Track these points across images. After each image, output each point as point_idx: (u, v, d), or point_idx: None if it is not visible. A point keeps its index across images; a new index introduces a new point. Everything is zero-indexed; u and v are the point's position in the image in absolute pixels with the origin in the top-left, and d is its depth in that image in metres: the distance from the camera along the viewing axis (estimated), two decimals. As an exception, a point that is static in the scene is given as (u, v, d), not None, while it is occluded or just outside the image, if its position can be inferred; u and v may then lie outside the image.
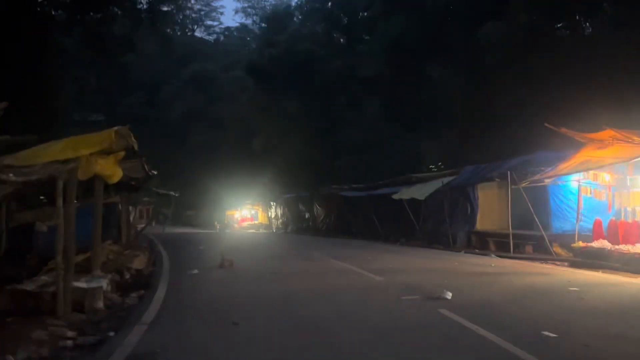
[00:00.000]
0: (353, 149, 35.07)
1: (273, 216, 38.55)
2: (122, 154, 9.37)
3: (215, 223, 44.98)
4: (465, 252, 16.32)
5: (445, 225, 18.82)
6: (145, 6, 34.96)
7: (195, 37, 77.27)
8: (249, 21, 64.68)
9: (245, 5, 63.27)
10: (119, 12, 31.95)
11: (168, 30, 71.41)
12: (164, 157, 60.34)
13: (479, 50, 27.34)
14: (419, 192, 18.92)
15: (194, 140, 57.05)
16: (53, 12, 28.98)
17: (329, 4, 40.69)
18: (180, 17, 76.15)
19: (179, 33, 75.96)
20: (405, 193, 19.58)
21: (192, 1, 77.26)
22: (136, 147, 9.18)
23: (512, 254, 14.56)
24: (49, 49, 26.52)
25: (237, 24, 78.69)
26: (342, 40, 37.95)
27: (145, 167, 13.36)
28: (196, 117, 59.22)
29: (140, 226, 24.99)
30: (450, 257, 15.19)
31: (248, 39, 74.14)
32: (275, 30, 43.86)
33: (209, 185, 50.73)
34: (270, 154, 42.38)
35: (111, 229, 18.13)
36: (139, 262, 13.37)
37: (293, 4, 47.05)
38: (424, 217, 20.19)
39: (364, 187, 24.60)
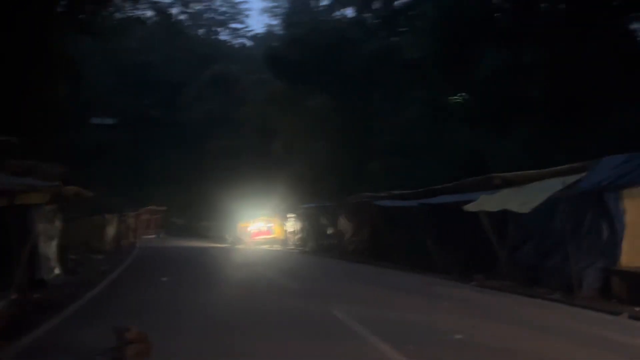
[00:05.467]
0: (391, 149, 27.01)
1: (290, 230, 30.58)
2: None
3: (227, 236, 37.54)
4: (600, 311, 8.41)
5: (557, 257, 10.69)
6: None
7: (220, 40, 70.74)
8: (275, 21, 57.59)
9: (271, 5, 56.33)
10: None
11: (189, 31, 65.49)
12: (181, 163, 53.86)
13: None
14: (515, 200, 10.74)
15: (213, 146, 50.18)
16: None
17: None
18: (204, 19, 69.94)
19: (201, 36, 69.64)
20: (488, 202, 11.40)
21: (217, 3, 71.16)
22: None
23: None
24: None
25: (264, 27, 71.98)
26: (378, 18, 29.91)
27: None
28: (215, 121, 52.48)
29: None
30: (590, 323, 7.22)
31: (275, 44, 66.99)
32: (299, 11, 36.40)
33: (225, 193, 43.50)
34: (290, 158, 34.71)
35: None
36: None
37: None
38: (514, 240, 12.02)
39: (411, 195, 16.38)
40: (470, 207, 11.57)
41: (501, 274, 12.13)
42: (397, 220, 16.54)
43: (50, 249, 12.48)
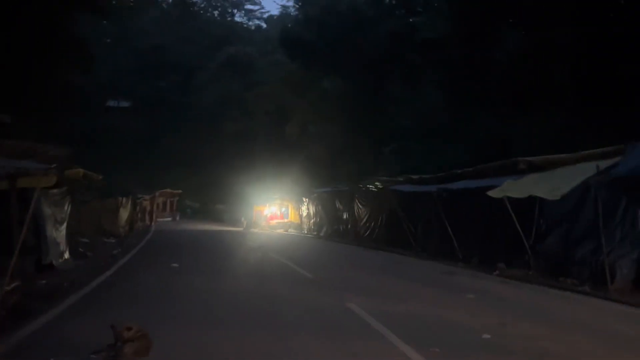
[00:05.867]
0: (408, 133, 26.24)
1: (305, 214, 30.08)
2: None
3: (243, 219, 37.18)
4: (636, 305, 7.83)
5: (587, 246, 10.02)
6: None
7: (235, 22, 69.82)
8: (290, 2, 56.33)
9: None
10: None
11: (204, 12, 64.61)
12: (195, 147, 53.56)
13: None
14: (543, 186, 10.05)
15: (227, 129, 49.71)
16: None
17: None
18: (219, 1, 68.97)
19: (217, 17, 68.80)
20: (514, 188, 10.71)
21: (234, -17, 70.08)
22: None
23: None
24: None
25: (279, 9, 70.51)
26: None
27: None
28: (231, 104, 51.92)
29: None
30: (628, 320, 6.66)
31: (290, 25, 65.81)
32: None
33: (239, 177, 43.12)
34: (305, 141, 34.10)
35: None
36: None
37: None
38: (539, 228, 11.35)
39: (430, 179, 15.69)
40: (494, 193, 10.90)
41: (525, 263, 11.50)
42: (414, 205, 15.89)
43: (59, 233, 12.15)
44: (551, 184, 9.84)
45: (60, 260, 11.99)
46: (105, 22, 47.39)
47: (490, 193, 10.97)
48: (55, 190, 11.59)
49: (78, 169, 11.20)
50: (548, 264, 10.95)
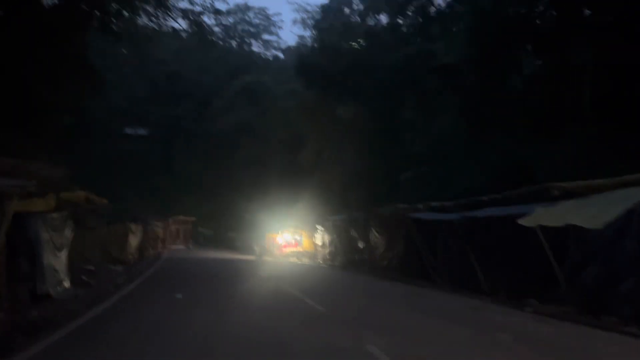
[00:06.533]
0: (424, 158, 25.36)
1: (320, 243, 29.06)
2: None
3: (255, 247, 36.28)
4: None
5: (631, 280, 8.96)
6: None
7: (252, 51, 70.38)
8: (307, 33, 56.70)
9: (305, 16, 55.44)
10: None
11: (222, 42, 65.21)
12: (209, 174, 53.17)
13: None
14: (581, 213, 9.07)
15: (241, 156, 49.39)
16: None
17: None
18: (237, 30, 69.77)
19: (235, 46, 69.44)
20: (547, 216, 9.72)
21: (251, 15, 70.96)
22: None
23: None
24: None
25: (296, 38, 70.96)
26: (412, 25, 28.26)
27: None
28: (245, 132, 51.77)
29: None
30: None
31: (305, 53, 66.00)
32: (331, 18, 35.16)
33: (253, 204, 42.43)
34: (319, 168, 33.38)
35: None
36: None
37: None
38: (575, 260, 10.30)
39: (452, 206, 14.73)
40: (526, 221, 9.92)
41: (560, 298, 10.42)
42: (435, 234, 14.87)
43: (58, 260, 11.39)
44: (590, 212, 8.87)
45: (59, 289, 11.20)
46: (124, 51, 47.96)
47: (522, 221, 9.99)
48: (55, 214, 10.90)
49: (78, 191, 10.49)
50: (585, 299, 9.85)
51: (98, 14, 19.44)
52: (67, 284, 11.86)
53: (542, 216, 9.78)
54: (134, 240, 22.61)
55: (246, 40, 71.15)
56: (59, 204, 10.41)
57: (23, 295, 9.70)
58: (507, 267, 11.92)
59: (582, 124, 18.79)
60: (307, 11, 52.87)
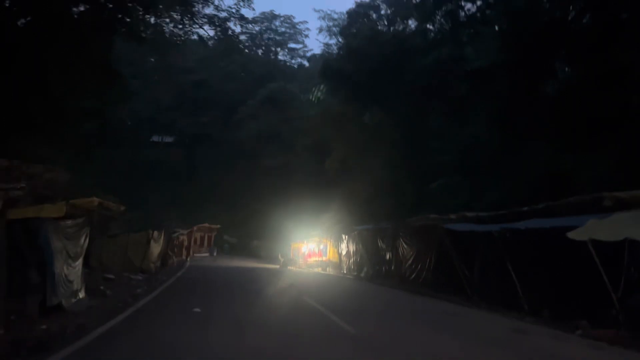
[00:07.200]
0: (453, 168, 24.28)
1: (344, 253, 28.13)
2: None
3: (280, 256, 35.55)
4: None
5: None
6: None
7: (278, 60, 70.24)
8: (332, 41, 56.14)
9: (330, 24, 54.89)
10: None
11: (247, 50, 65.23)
12: (234, 181, 52.81)
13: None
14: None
15: (266, 164, 48.97)
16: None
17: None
18: (263, 39, 69.78)
19: (261, 55, 69.42)
20: (601, 228, 8.66)
21: (277, 23, 70.91)
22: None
23: None
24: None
25: (322, 46, 70.33)
26: (442, 30, 27.24)
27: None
28: (270, 139, 51.41)
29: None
30: None
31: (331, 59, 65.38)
32: (358, 24, 34.36)
33: (277, 212, 41.81)
34: (345, 176, 32.54)
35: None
36: None
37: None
38: (630, 278, 9.20)
39: (489, 217, 13.67)
40: (576, 235, 8.88)
41: (613, 320, 9.32)
42: (470, 246, 13.82)
43: (72, 269, 10.78)
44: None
45: (72, 301, 10.58)
46: (152, 59, 48.21)
47: (572, 234, 8.95)
48: (69, 222, 10.31)
49: (92, 197, 9.87)
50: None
51: (124, 18, 19.10)
52: (82, 294, 11.25)
53: (595, 229, 8.73)
54: (156, 248, 22.08)
55: (272, 48, 71.10)
56: (72, 210, 9.81)
57: (32, 308, 9.10)
58: (552, 284, 10.84)
59: (628, 131, 17.50)
60: (333, 19, 52.37)
